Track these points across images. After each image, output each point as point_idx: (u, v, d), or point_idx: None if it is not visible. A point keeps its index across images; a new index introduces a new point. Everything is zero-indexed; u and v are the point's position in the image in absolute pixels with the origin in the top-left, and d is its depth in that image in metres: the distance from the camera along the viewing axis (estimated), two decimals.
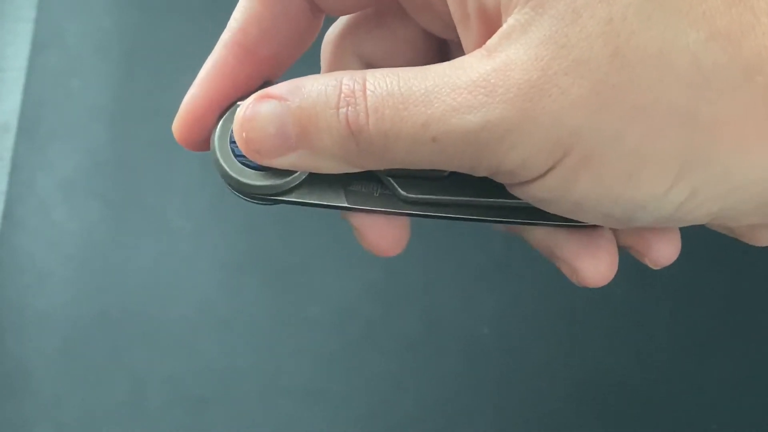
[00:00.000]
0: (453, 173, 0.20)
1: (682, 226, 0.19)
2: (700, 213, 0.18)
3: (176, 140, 0.23)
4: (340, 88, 0.18)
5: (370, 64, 0.23)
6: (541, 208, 0.19)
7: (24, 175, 0.48)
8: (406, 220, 0.22)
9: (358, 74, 0.18)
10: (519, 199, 0.19)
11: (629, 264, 0.44)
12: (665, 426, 0.42)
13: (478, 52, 0.18)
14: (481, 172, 0.18)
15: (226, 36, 0.23)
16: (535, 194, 0.18)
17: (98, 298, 0.46)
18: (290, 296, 0.45)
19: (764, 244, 0.21)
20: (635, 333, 0.44)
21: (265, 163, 0.20)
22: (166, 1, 0.53)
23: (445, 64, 0.18)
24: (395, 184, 0.21)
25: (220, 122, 0.22)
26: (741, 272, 0.45)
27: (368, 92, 0.18)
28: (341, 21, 0.24)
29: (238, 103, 0.21)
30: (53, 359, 0.44)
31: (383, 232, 0.22)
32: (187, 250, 0.46)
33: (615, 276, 0.43)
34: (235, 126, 0.20)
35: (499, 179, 0.19)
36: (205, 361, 0.44)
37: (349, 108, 0.18)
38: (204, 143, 0.23)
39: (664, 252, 0.23)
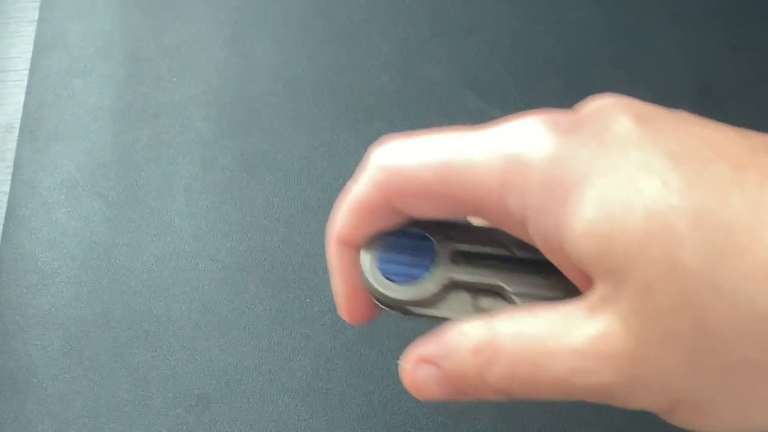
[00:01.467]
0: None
1: None
2: None
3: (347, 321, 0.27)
4: (478, 356, 0.21)
5: None
6: None
7: (26, 175, 0.49)
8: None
9: (489, 332, 0.21)
10: None
11: None
12: (664, 425, 0.42)
13: (582, 311, 0.20)
14: (617, 406, 0.21)
15: (330, 236, 0.26)
16: (673, 423, 0.21)
17: (101, 297, 0.46)
18: (291, 296, 0.45)
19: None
20: None
21: (428, 398, 0.24)
22: (169, 3, 0.53)
23: (555, 318, 0.20)
24: (518, 302, 0.24)
25: (367, 245, 0.25)
26: None
27: (501, 359, 0.21)
28: None
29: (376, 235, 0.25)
30: (56, 358, 0.44)
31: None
32: (189, 250, 0.47)
33: None
34: (407, 386, 0.24)
35: None
36: (207, 360, 0.44)
37: (491, 376, 0.21)
38: (371, 315, 0.27)
39: None
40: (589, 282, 0.20)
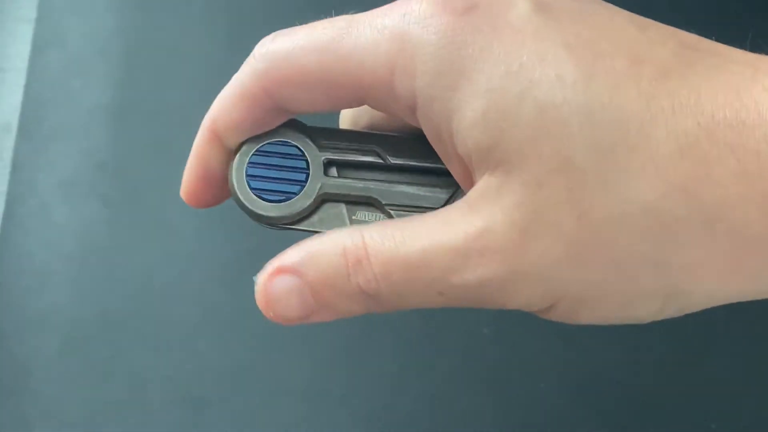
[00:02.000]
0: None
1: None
2: (689, 311, 0.20)
3: (187, 204, 0.25)
4: (347, 257, 0.20)
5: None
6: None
7: (24, 175, 0.48)
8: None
9: (356, 237, 0.20)
10: None
11: None
12: (665, 425, 0.42)
13: (460, 208, 0.20)
14: (491, 308, 0.20)
15: (203, 121, 0.25)
16: (549, 318, 0.20)
17: (98, 298, 0.46)
18: None
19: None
20: (635, 332, 0.44)
21: (295, 324, 0.22)
22: (167, 2, 0.53)
23: (433, 220, 0.20)
24: (394, 216, 0.23)
25: (236, 156, 0.24)
26: None
27: (372, 258, 0.20)
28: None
29: (247, 142, 0.24)
30: (53, 359, 0.44)
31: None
32: (188, 250, 0.46)
33: None
34: (259, 302, 0.23)
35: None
36: (206, 361, 0.44)
37: (360, 276, 0.20)
38: (208, 201, 0.26)
39: None
40: (471, 180, 0.20)
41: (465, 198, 0.20)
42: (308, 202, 0.24)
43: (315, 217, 0.24)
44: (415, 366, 0.44)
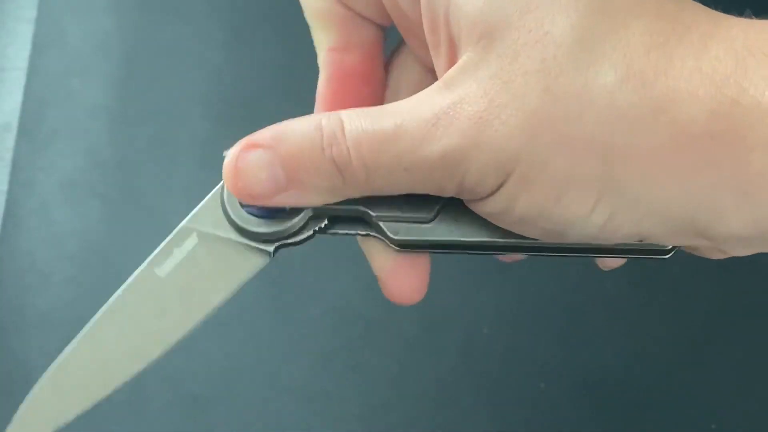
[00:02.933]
0: (438, 216, 0.24)
1: (613, 242, 0.21)
2: (622, 233, 0.20)
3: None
4: (322, 131, 0.21)
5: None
6: (495, 222, 0.22)
7: (25, 175, 0.49)
8: (425, 270, 0.26)
9: (333, 116, 0.21)
10: (495, 238, 0.23)
11: (629, 264, 0.44)
12: (664, 425, 0.42)
13: (436, 85, 0.20)
14: (448, 193, 0.21)
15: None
16: (487, 210, 0.21)
17: (99, 297, 0.46)
18: (290, 296, 0.45)
19: (721, 258, 0.23)
20: (634, 332, 0.44)
21: (259, 203, 0.22)
22: (167, 2, 0.53)
23: (412, 99, 0.20)
24: (384, 228, 0.24)
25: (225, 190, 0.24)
26: (741, 270, 0.45)
27: (347, 132, 0.20)
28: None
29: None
30: (53, 358, 0.44)
31: (403, 282, 0.26)
32: None
33: (614, 275, 0.43)
34: (226, 175, 0.22)
35: (462, 197, 0.21)
36: (205, 361, 0.44)
37: (333, 148, 0.20)
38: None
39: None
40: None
41: (443, 77, 0.20)
42: (299, 219, 0.24)
43: (305, 233, 0.24)
44: (414, 365, 0.44)
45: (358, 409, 0.43)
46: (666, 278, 0.45)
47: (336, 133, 0.20)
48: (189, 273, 0.26)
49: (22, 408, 0.25)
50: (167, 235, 0.50)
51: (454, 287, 0.45)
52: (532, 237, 0.22)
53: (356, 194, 0.22)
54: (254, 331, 0.45)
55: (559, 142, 0.19)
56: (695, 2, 0.20)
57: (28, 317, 0.45)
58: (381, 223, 0.23)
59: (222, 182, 0.24)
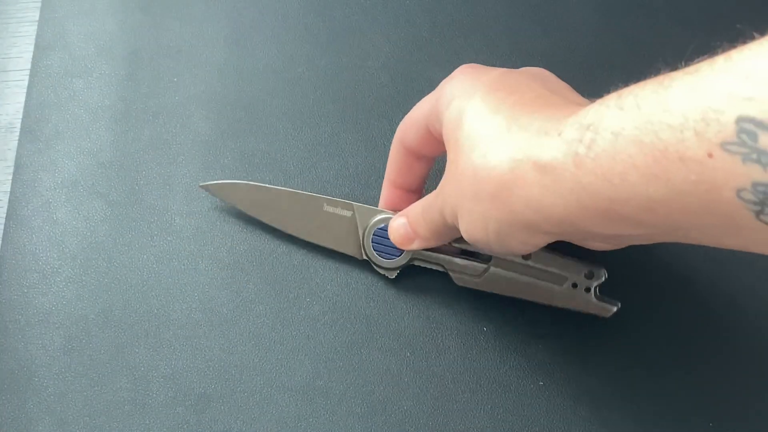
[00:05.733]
0: (488, 271, 0.43)
1: (514, 253, 0.38)
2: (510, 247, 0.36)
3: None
4: (410, 217, 0.42)
5: None
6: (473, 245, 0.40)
7: (28, 175, 0.49)
8: None
9: (412, 209, 0.42)
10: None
11: (628, 264, 0.44)
12: (664, 425, 0.42)
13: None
14: (455, 232, 0.38)
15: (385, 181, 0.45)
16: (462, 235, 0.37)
17: (101, 296, 0.46)
18: (291, 295, 0.45)
19: (598, 249, 0.38)
20: (634, 332, 0.44)
21: (405, 248, 0.43)
22: (170, 4, 0.53)
23: (429, 197, 0.40)
24: (452, 276, 0.44)
25: (366, 230, 0.45)
26: (740, 270, 0.45)
27: (411, 218, 0.42)
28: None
29: (379, 218, 0.45)
30: (56, 357, 0.44)
31: None
32: (189, 249, 0.47)
33: (613, 275, 0.43)
34: (389, 231, 0.43)
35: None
36: (207, 359, 0.44)
37: (414, 226, 0.42)
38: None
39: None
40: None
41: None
42: (403, 261, 0.44)
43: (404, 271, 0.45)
44: (414, 364, 0.44)
45: (358, 406, 0.43)
46: (666, 277, 0.45)
47: (412, 218, 0.42)
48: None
49: None
50: (169, 235, 0.50)
51: (455, 287, 0.45)
52: (488, 254, 0.43)
53: (443, 241, 0.42)
54: (255, 329, 0.45)
55: (466, 196, 0.34)
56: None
57: (30, 316, 0.45)
58: (452, 274, 0.44)
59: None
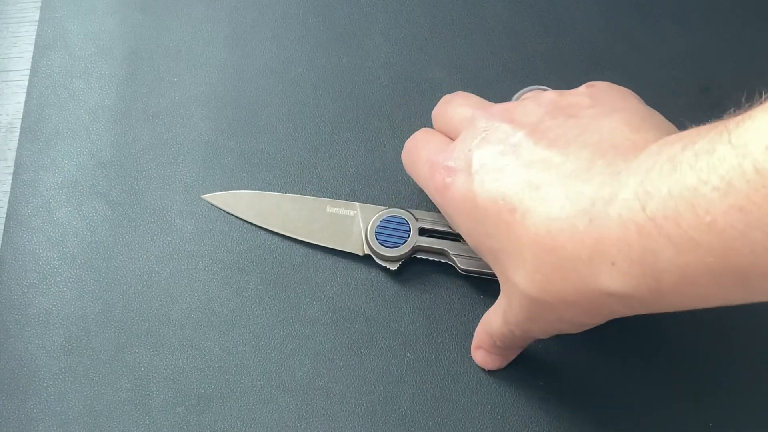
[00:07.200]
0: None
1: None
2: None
3: None
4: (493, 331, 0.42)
5: None
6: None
7: (27, 175, 0.49)
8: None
9: (480, 328, 0.43)
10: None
11: None
12: (663, 425, 0.42)
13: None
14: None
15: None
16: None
17: (101, 296, 0.46)
18: (291, 295, 0.45)
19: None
20: (633, 331, 0.44)
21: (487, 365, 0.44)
22: (170, 3, 0.53)
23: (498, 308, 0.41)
24: (455, 260, 0.44)
25: (370, 222, 0.45)
26: None
27: (482, 325, 0.43)
28: None
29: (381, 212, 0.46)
30: (56, 357, 0.44)
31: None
32: (189, 249, 0.47)
33: None
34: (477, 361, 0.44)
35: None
36: (207, 359, 0.44)
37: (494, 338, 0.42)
38: None
39: None
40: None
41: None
42: (407, 249, 0.44)
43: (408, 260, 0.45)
44: (414, 364, 0.44)
45: (358, 406, 0.43)
46: None
47: (488, 348, 0.43)
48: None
49: None
50: (169, 235, 0.50)
51: (455, 286, 0.45)
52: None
53: (511, 347, 0.42)
54: (255, 329, 0.45)
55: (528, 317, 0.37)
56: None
57: (30, 316, 0.45)
58: (455, 258, 0.44)
59: None
